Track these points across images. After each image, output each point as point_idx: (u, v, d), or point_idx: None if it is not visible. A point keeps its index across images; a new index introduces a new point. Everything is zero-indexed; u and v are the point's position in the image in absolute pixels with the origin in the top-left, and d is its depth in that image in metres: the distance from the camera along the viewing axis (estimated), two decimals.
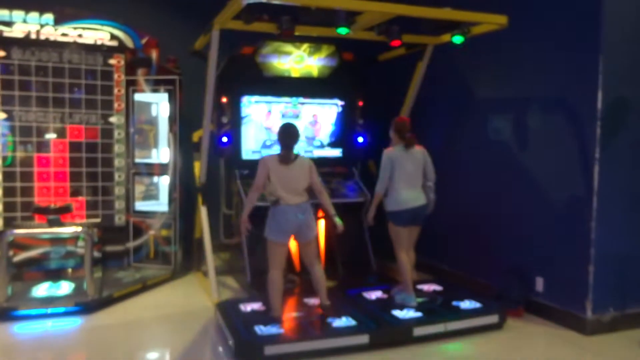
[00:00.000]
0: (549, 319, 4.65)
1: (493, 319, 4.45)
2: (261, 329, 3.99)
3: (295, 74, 5.94)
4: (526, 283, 4.84)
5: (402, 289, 4.69)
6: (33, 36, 5.45)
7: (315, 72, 6.01)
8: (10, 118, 5.46)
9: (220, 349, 4.07)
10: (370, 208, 4.76)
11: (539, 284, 4.78)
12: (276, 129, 5.76)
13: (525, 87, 4.97)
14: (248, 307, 4.49)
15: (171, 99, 5.81)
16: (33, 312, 4.59)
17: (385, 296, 4.87)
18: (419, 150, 4.70)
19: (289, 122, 4.43)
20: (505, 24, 4.60)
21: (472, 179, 5.56)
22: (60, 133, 5.65)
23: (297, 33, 4.72)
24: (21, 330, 4.38)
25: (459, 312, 4.47)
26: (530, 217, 4.88)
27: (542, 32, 4.74)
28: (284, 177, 4.17)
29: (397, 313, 4.41)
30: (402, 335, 4.15)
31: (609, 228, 4.33)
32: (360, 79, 6.23)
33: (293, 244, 5.21)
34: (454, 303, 4.63)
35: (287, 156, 4.20)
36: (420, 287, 4.97)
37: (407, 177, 4.59)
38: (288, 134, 4.23)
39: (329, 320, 4.22)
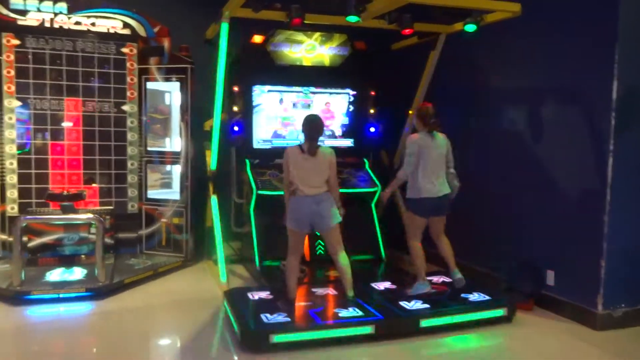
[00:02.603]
0: (559, 313, 4.59)
1: (502, 312, 4.40)
2: (268, 318, 4.01)
3: (306, 63, 5.91)
4: (537, 276, 4.78)
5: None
6: (47, 25, 5.50)
7: (326, 61, 5.97)
8: (25, 106, 5.53)
9: (228, 336, 4.10)
10: (387, 189, 4.73)
11: (550, 277, 4.71)
12: (288, 117, 5.85)
13: (538, 78, 4.87)
14: (256, 296, 4.52)
15: (183, 88, 5.83)
16: (46, 296, 4.67)
17: (393, 287, 4.85)
18: (442, 138, 4.63)
19: (314, 115, 4.53)
20: (518, 11, 4.51)
21: (483, 170, 5.49)
22: (74, 121, 5.71)
23: (307, 22, 4.69)
24: (34, 313, 4.47)
25: (467, 305, 4.43)
26: (542, 209, 4.81)
27: (557, 20, 4.63)
28: (303, 168, 4.25)
29: (404, 304, 4.39)
30: (408, 326, 4.13)
31: (622, 222, 4.24)
32: (372, 69, 6.17)
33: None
34: (462, 295, 4.60)
35: (309, 147, 4.27)
36: (429, 278, 4.93)
37: (431, 165, 4.52)
38: (313, 127, 4.30)
39: (336, 310, 4.22)
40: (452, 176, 4.68)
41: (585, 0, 4.35)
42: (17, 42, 5.46)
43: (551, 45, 4.67)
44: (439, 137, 4.61)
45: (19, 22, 5.42)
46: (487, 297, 4.55)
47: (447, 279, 5.05)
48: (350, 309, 4.21)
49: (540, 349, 4.01)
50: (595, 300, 4.28)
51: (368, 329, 3.99)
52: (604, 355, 3.92)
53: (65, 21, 5.56)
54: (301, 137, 4.47)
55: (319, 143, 4.35)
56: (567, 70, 4.54)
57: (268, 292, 4.58)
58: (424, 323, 4.15)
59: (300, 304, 4.38)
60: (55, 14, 5.52)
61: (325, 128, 4.81)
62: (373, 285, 4.90)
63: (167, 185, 6.39)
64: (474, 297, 4.56)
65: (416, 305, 4.38)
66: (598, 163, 4.27)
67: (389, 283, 4.94)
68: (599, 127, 4.27)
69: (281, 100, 5.91)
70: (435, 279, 5.03)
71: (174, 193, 6.10)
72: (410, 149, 4.53)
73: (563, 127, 4.61)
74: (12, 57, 5.45)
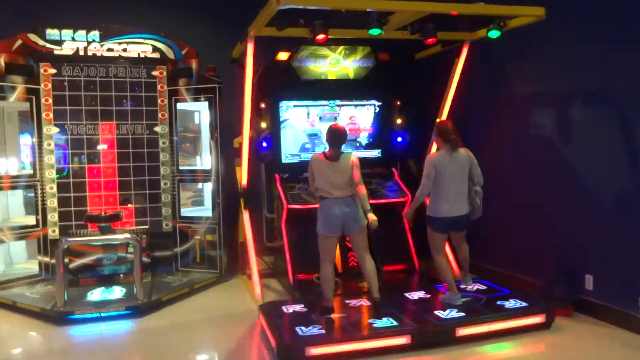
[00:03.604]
0: (599, 318, 4.49)
1: (540, 318, 4.34)
2: (303, 330, 4.04)
3: (331, 76, 5.99)
4: (574, 281, 4.69)
5: (447, 291, 4.64)
6: (81, 53, 5.73)
7: (351, 74, 6.04)
8: (62, 131, 5.74)
9: (264, 350, 4.15)
10: (408, 209, 4.74)
11: (589, 282, 4.62)
12: (315, 131, 5.93)
13: (569, 81, 4.82)
14: (290, 309, 4.55)
15: (211, 107, 5.97)
16: (88, 315, 4.80)
17: (427, 296, 4.82)
18: (463, 154, 4.52)
19: (337, 125, 4.71)
20: (542, 15, 4.49)
21: (516, 176, 5.43)
22: (109, 144, 5.91)
23: (331, 36, 4.76)
24: (77, 333, 4.61)
25: (504, 312, 4.37)
26: (577, 213, 4.73)
27: (585, 22, 4.58)
28: (327, 173, 4.39)
29: (439, 313, 4.36)
30: (444, 335, 4.11)
31: None
32: (397, 79, 6.20)
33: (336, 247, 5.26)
34: (499, 302, 4.54)
35: (332, 153, 4.44)
36: (463, 286, 4.89)
37: (451, 184, 4.45)
38: (336, 135, 4.48)
39: (371, 320, 4.23)
40: (475, 194, 4.57)
41: (614, 2, 4.30)
42: (53, 71, 5.68)
43: (581, 47, 4.62)
44: (459, 153, 4.51)
45: (56, 52, 5.66)
46: (525, 304, 4.48)
47: (482, 287, 5.00)
48: (385, 319, 4.21)
49: (582, 356, 3.93)
50: (636, 304, 4.17)
51: (403, 339, 3.98)
52: None
53: (98, 48, 5.78)
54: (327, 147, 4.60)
55: (342, 150, 4.47)
56: (598, 73, 4.48)
57: (302, 305, 4.62)
58: (460, 332, 4.12)
59: (334, 316, 4.40)
60: (89, 42, 5.74)
61: (348, 137, 4.92)
62: (407, 295, 4.88)
63: (199, 202, 6.54)
64: (511, 304, 4.50)
65: (451, 314, 4.35)
66: (633, 165, 4.19)
67: (423, 292, 4.92)
68: (632, 128, 4.20)
69: (308, 115, 5.99)
70: (470, 287, 4.98)
71: (206, 210, 6.23)
72: (425, 170, 4.49)
73: (596, 129, 4.55)
74: (50, 85, 5.68)
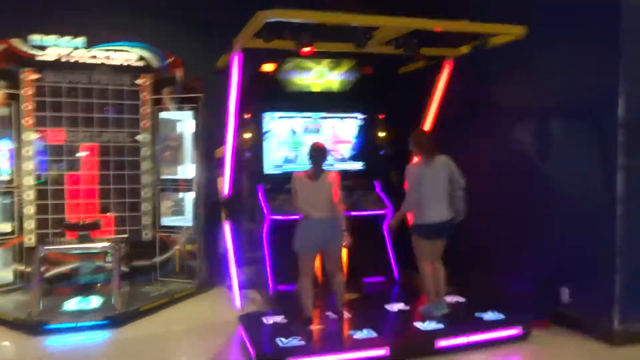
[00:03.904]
0: (575, 330, 4.56)
1: (517, 330, 4.39)
2: (282, 341, 4.03)
3: (316, 89, 6.04)
4: (551, 293, 4.77)
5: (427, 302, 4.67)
6: (64, 59, 5.68)
7: (336, 87, 6.09)
8: (42, 138, 5.67)
9: None
10: (393, 219, 4.77)
11: (564, 294, 4.70)
12: (298, 142, 5.95)
13: (545, 95, 4.93)
14: (270, 320, 4.54)
15: (195, 117, 5.96)
16: (64, 325, 4.72)
17: (407, 308, 4.85)
18: (441, 161, 4.60)
19: (318, 142, 4.71)
20: (522, 34, 4.61)
21: (494, 188, 5.51)
22: (89, 151, 5.84)
23: (317, 49, 4.81)
24: (52, 343, 4.52)
25: (482, 324, 4.43)
26: (554, 226, 4.82)
27: (562, 38, 4.71)
28: (309, 192, 4.40)
29: (418, 325, 4.39)
30: (423, 347, 4.14)
31: (633, 236, 4.24)
32: (381, 92, 6.28)
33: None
34: (477, 314, 4.59)
35: (313, 172, 4.46)
36: (436, 313, 4.90)
37: (432, 191, 4.52)
38: (317, 152, 4.50)
39: (351, 332, 4.24)
40: (458, 200, 4.63)
41: (588, 17, 4.44)
42: (35, 76, 5.62)
43: (557, 62, 4.75)
44: (438, 161, 4.59)
45: (38, 58, 5.61)
46: (502, 316, 4.54)
47: (461, 299, 5.05)
48: (365, 331, 4.23)
49: None
50: (611, 316, 4.26)
51: (383, 351, 3.99)
52: None
53: (82, 55, 5.74)
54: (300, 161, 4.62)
55: (324, 167, 4.49)
56: (574, 88, 4.60)
57: (282, 317, 4.61)
58: (440, 343, 4.15)
59: (314, 327, 4.40)
60: (73, 49, 5.70)
61: (330, 153, 4.94)
62: (386, 307, 4.91)
63: (180, 212, 6.49)
64: (489, 315, 4.56)
65: (430, 325, 4.39)
66: (608, 178, 4.30)
67: (403, 304, 4.95)
68: (607, 144, 4.31)
69: (292, 127, 6.01)
70: (449, 298, 5.01)
71: (187, 220, 6.19)
72: (410, 182, 4.54)
73: (572, 144, 4.66)
74: (31, 91, 5.62)
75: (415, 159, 4.73)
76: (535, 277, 4.92)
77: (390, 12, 4.51)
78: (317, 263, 5.28)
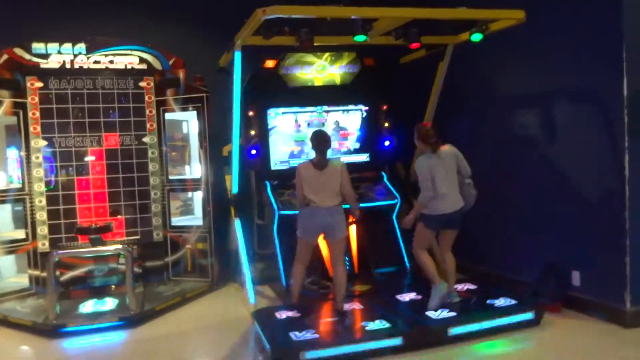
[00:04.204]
0: (587, 313, 4.58)
1: (529, 315, 4.41)
2: (296, 335, 4.07)
3: (318, 83, 6.05)
4: (562, 277, 4.78)
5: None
6: (68, 66, 5.73)
7: (338, 80, 6.10)
8: (50, 144, 5.74)
9: (260, 356, 4.18)
10: (408, 216, 4.71)
11: (576, 278, 4.71)
12: (303, 136, 5.97)
13: (549, 79, 4.93)
14: (283, 315, 4.59)
15: (200, 116, 6.00)
16: (81, 328, 4.80)
17: (419, 297, 4.88)
18: (447, 151, 4.59)
19: (320, 129, 4.81)
20: (523, 18, 4.59)
21: (501, 175, 5.52)
22: (98, 155, 5.91)
23: (317, 43, 4.82)
24: (70, 345, 4.60)
25: (494, 310, 4.45)
26: (563, 210, 4.82)
27: (563, 21, 4.70)
28: (316, 181, 4.43)
29: (430, 314, 4.42)
30: (436, 335, 4.17)
31: None
32: (383, 83, 6.28)
33: (326, 252, 5.32)
34: (489, 301, 4.61)
35: (320, 161, 4.49)
36: (454, 286, 4.95)
37: (443, 182, 4.50)
38: (320, 140, 4.54)
39: (364, 323, 4.28)
40: (468, 186, 4.62)
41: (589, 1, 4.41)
42: (40, 84, 5.68)
43: (560, 46, 4.73)
44: (443, 152, 4.58)
45: (42, 66, 5.66)
46: (514, 302, 4.56)
47: (472, 286, 5.07)
48: (378, 322, 4.27)
49: (571, 350, 4.01)
50: (623, 298, 4.27)
51: (397, 341, 4.03)
52: (637, 351, 3.89)
53: (85, 61, 5.78)
54: (312, 154, 4.67)
55: (328, 157, 4.52)
56: (578, 71, 4.60)
57: (295, 311, 4.64)
58: (452, 331, 4.18)
59: (327, 320, 4.44)
60: (75, 55, 5.75)
61: (333, 143, 5.01)
62: (398, 297, 4.94)
63: (188, 212, 6.55)
64: (501, 302, 4.58)
65: (443, 314, 4.41)
66: (615, 160, 4.30)
67: (414, 294, 4.98)
68: (612, 125, 4.30)
69: (296, 121, 6.04)
70: (459, 287, 5.04)
71: (196, 219, 6.25)
72: (422, 174, 4.51)
73: (578, 127, 4.65)
74: (37, 99, 5.68)
75: (419, 152, 4.73)
76: (545, 261, 4.92)
77: (389, 2, 4.52)
78: (327, 256, 5.35)
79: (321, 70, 6.00)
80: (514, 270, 5.37)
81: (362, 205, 5.19)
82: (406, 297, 4.93)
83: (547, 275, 4.87)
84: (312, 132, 4.71)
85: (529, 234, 5.21)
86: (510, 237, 5.47)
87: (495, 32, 4.87)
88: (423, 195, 4.53)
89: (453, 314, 4.40)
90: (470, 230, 4.92)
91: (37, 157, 5.69)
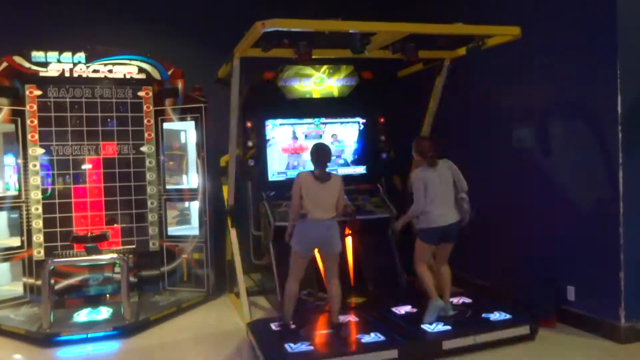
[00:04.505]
0: (582, 328, 4.59)
1: (524, 330, 4.41)
2: (291, 347, 4.06)
3: (316, 95, 6.09)
4: (557, 292, 4.79)
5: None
6: (67, 74, 5.76)
7: (335, 92, 6.15)
8: (48, 152, 5.74)
9: None
10: (399, 220, 4.81)
11: (570, 292, 4.72)
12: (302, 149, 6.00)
13: (544, 94, 4.98)
14: (279, 326, 4.58)
15: (198, 126, 6.02)
16: (75, 337, 4.77)
17: (414, 310, 4.88)
18: (444, 165, 4.64)
19: (321, 142, 4.78)
20: (518, 34, 4.63)
21: (496, 189, 5.55)
22: (95, 164, 5.91)
23: (315, 56, 4.86)
24: (64, 354, 4.57)
25: (489, 324, 4.45)
26: (558, 225, 4.85)
27: (558, 37, 4.75)
28: (316, 194, 4.38)
29: (426, 327, 4.42)
30: (431, 349, 4.17)
31: (637, 232, 4.26)
32: (381, 96, 6.32)
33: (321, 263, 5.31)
34: (484, 315, 4.62)
35: (322, 174, 4.43)
36: (443, 313, 4.92)
37: (437, 196, 4.53)
38: (322, 153, 4.50)
39: (359, 336, 4.27)
40: (463, 201, 4.64)
41: (585, 16, 4.48)
42: (39, 92, 5.70)
43: (555, 61, 4.78)
44: (441, 166, 4.61)
45: (41, 74, 5.69)
46: (509, 316, 4.56)
47: (467, 300, 5.07)
48: (373, 335, 4.26)
49: None
50: (617, 313, 4.28)
51: (392, 354, 4.02)
52: None
53: (84, 70, 5.81)
54: (310, 166, 4.65)
55: (328, 170, 4.50)
56: (572, 86, 4.64)
57: (290, 322, 4.64)
58: (447, 345, 4.18)
59: (322, 332, 4.43)
60: (75, 64, 5.78)
61: (334, 157, 4.98)
62: (394, 309, 4.94)
63: (184, 221, 6.55)
64: (495, 316, 4.58)
65: (438, 327, 4.41)
66: (609, 175, 4.33)
67: (409, 307, 4.98)
68: (607, 141, 4.34)
69: (294, 133, 6.07)
70: (455, 300, 5.04)
71: (193, 229, 6.25)
72: (416, 185, 4.57)
73: (573, 142, 4.69)
74: (35, 107, 5.69)
75: (415, 165, 4.76)
76: (540, 275, 4.94)
77: (387, 16, 4.57)
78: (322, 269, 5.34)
79: (319, 82, 6.05)
80: (509, 283, 5.37)
81: (358, 217, 5.20)
82: (401, 309, 4.93)
83: (541, 289, 4.87)
84: (312, 144, 4.66)
85: (524, 246, 5.23)
86: (506, 250, 5.48)
87: (491, 47, 4.92)
88: (414, 207, 4.59)
89: (448, 327, 4.40)
90: (465, 242, 4.93)
91: (35, 165, 5.69)
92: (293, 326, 4.51)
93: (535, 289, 4.89)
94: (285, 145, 6.05)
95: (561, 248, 4.81)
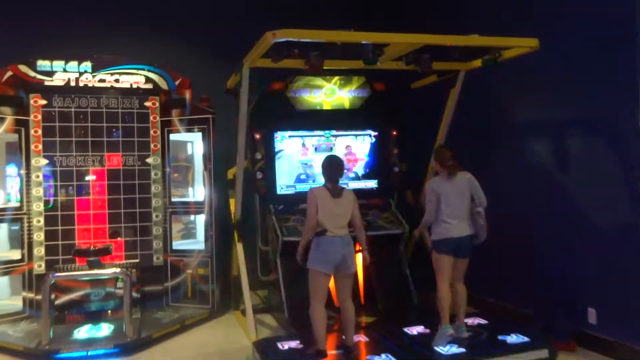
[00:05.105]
0: (604, 352, 4.39)
1: (543, 353, 4.22)
2: None
3: (327, 106, 5.97)
4: (577, 315, 4.59)
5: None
6: (72, 84, 5.66)
7: (347, 104, 6.02)
8: (51, 163, 5.63)
9: None
10: (418, 228, 4.74)
11: (592, 315, 4.52)
12: (310, 160, 5.85)
13: (564, 110, 4.84)
14: (286, 346, 4.41)
15: (205, 138, 5.89)
16: (74, 354, 4.60)
17: (427, 331, 4.69)
18: (463, 177, 4.49)
19: (334, 155, 4.60)
20: (536, 46, 4.50)
21: (514, 206, 5.37)
22: (99, 175, 5.79)
23: (326, 67, 4.73)
24: None
25: (506, 347, 4.26)
26: (577, 244, 4.67)
27: (578, 52, 4.61)
28: (330, 209, 4.16)
29: (439, 349, 4.23)
30: None
31: None
32: (393, 108, 6.18)
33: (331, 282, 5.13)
34: (500, 337, 4.42)
35: (335, 188, 4.22)
36: (463, 320, 4.76)
37: (451, 207, 4.40)
38: (335, 167, 4.28)
39: (369, 357, 4.09)
40: (478, 215, 4.49)
41: (606, 31, 4.34)
42: (44, 102, 5.60)
43: (575, 76, 4.64)
44: (459, 177, 4.48)
45: (46, 83, 5.59)
46: (527, 339, 4.37)
47: (483, 321, 4.88)
48: (384, 356, 4.11)
49: None
50: None
51: None
52: None
53: (90, 79, 5.72)
54: (321, 179, 4.44)
55: (340, 184, 4.32)
56: (594, 102, 4.49)
57: (298, 342, 4.47)
58: None
59: (331, 352, 4.25)
60: (81, 73, 5.69)
61: (346, 170, 4.80)
62: (405, 330, 4.76)
63: (189, 235, 6.39)
64: (513, 338, 4.39)
65: (451, 349, 4.23)
66: (631, 194, 4.16)
67: (422, 327, 4.79)
68: (628, 157, 4.18)
69: (303, 145, 5.93)
70: (469, 321, 4.85)
71: (198, 243, 6.09)
72: (428, 196, 4.49)
73: (593, 160, 4.54)
74: (39, 116, 5.59)
75: (435, 174, 4.63)
76: (561, 297, 4.75)
77: (397, 27, 4.45)
78: (332, 286, 5.17)
79: (330, 94, 5.93)
80: (526, 305, 5.18)
81: (368, 232, 5.03)
82: (414, 330, 4.75)
83: (561, 312, 4.69)
84: (323, 157, 4.45)
85: (543, 267, 5.04)
86: (523, 270, 5.30)
87: (509, 59, 4.78)
88: (424, 219, 4.53)
89: (462, 350, 4.21)
90: (480, 261, 4.76)
91: (37, 176, 5.57)
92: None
93: (554, 311, 4.70)
94: (298, 157, 5.91)
95: (582, 269, 4.63)
